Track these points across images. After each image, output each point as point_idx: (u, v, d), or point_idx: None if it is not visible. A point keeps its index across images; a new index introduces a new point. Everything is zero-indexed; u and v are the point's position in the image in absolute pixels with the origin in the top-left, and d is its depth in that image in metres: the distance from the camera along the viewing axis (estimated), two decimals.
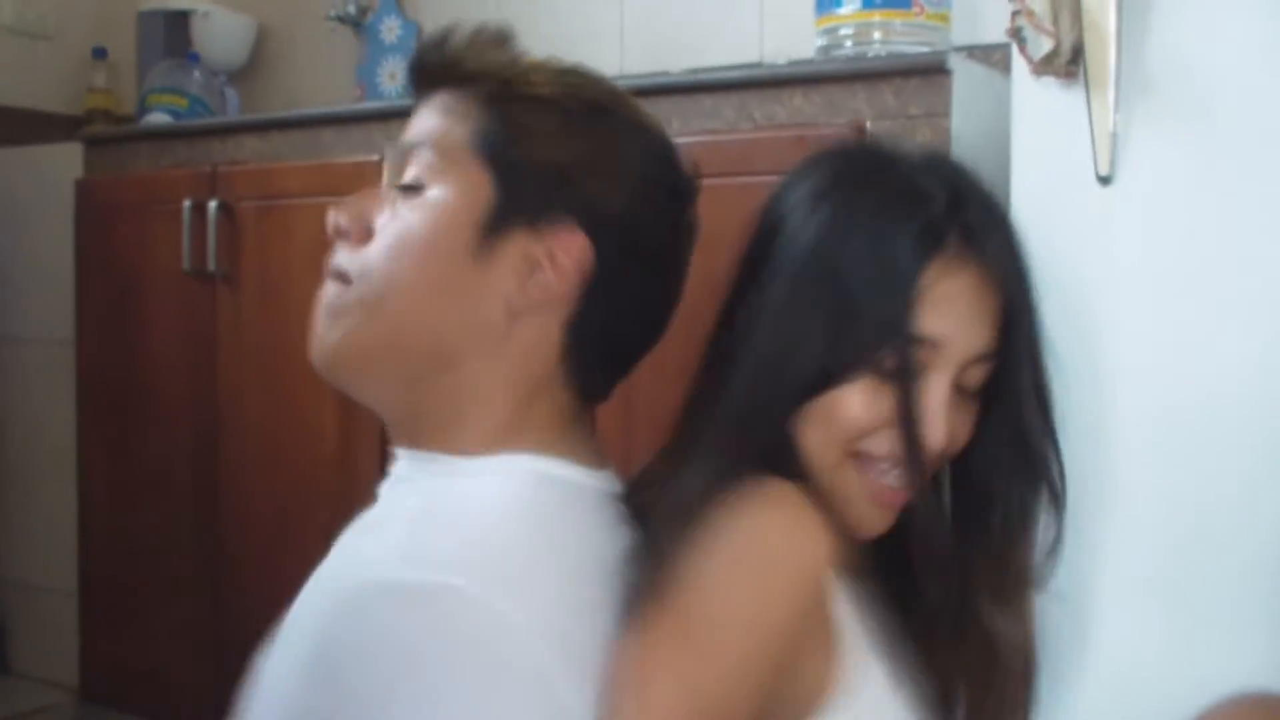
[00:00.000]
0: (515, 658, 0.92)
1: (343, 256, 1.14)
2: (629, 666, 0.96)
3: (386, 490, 1.15)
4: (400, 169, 1.14)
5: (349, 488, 2.23)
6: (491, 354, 1.10)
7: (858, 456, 1.12)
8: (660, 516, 1.05)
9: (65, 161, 2.84)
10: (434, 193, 1.11)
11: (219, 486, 2.52)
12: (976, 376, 1.14)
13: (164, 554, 2.63)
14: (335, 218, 1.15)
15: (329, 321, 1.13)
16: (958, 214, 1.12)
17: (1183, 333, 1.33)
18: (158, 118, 2.94)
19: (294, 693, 0.96)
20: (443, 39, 1.17)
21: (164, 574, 2.63)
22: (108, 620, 2.77)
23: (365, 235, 1.13)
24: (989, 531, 1.18)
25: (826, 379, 1.10)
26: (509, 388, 1.10)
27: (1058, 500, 1.18)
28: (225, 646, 2.38)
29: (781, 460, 1.10)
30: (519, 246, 1.09)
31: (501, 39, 1.18)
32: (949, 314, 1.10)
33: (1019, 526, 1.19)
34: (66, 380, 2.81)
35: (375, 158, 2.19)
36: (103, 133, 3.02)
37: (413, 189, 1.12)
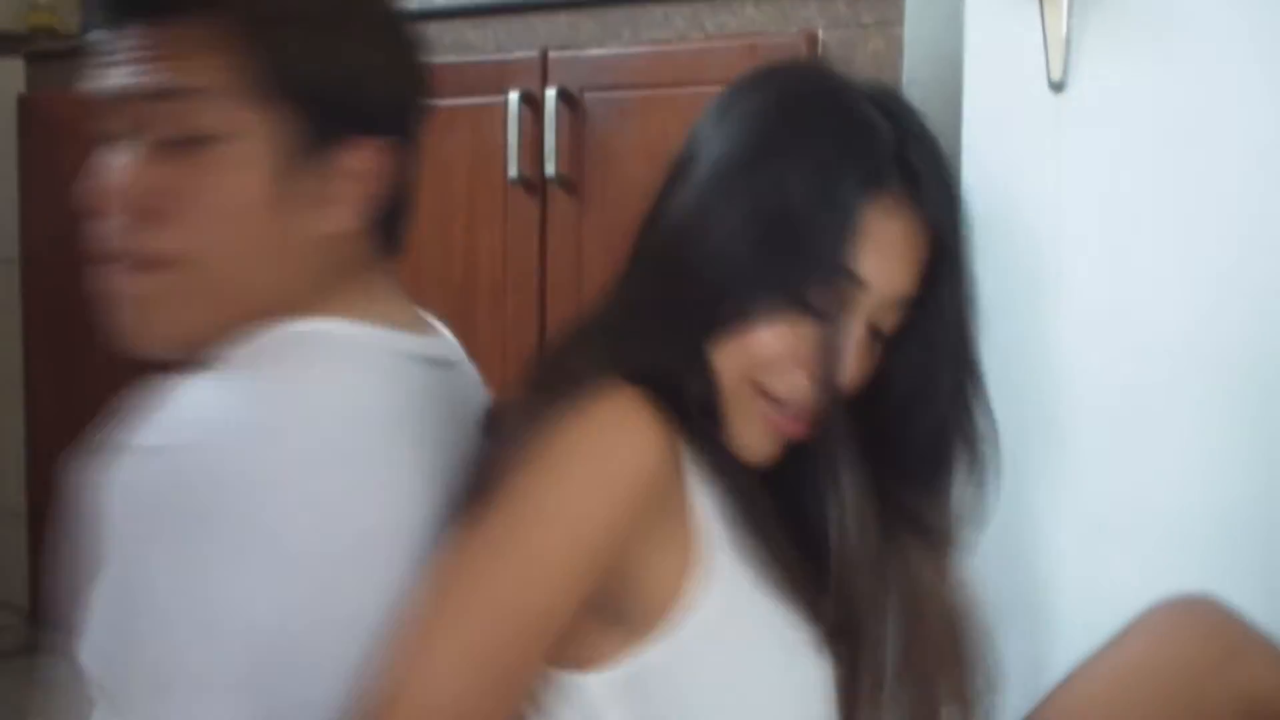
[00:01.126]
0: (241, 509, 0.94)
1: (141, 238, 1.05)
2: (439, 565, 1.00)
3: None
4: (152, 119, 1.04)
5: None
6: (308, 269, 1.09)
7: (759, 388, 1.12)
8: (506, 424, 1.07)
9: (8, 77, 2.81)
10: (231, 146, 1.04)
11: None
12: (889, 320, 1.14)
13: None
14: (119, 193, 1.04)
15: (163, 314, 1.08)
16: (903, 155, 1.11)
17: (1131, 239, 1.34)
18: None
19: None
20: None
21: None
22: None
23: (151, 208, 1.04)
24: (908, 472, 1.18)
25: (747, 309, 1.10)
26: (307, 283, 1.08)
27: (975, 456, 1.19)
28: None
29: (687, 372, 1.10)
30: (321, 175, 1.07)
31: None
32: (879, 257, 1.10)
33: (935, 473, 1.19)
34: (12, 299, 2.80)
35: None
36: (46, 48, 2.95)
37: (195, 142, 1.03)
